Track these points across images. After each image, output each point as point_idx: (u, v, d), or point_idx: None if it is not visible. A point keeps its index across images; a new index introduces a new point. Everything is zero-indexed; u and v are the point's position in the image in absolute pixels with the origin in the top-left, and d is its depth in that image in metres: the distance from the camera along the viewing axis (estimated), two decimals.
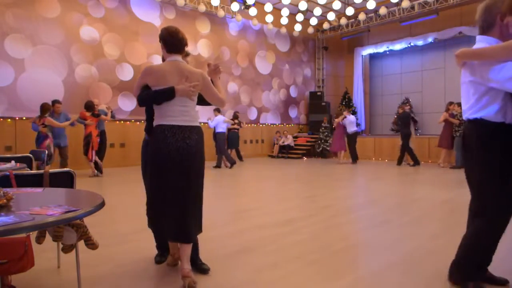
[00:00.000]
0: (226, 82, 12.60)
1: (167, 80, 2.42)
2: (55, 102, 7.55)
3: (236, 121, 11.05)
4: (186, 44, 2.56)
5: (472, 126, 2.15)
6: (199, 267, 2.65)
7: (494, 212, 2.15)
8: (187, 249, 2.46)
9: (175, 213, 2.41)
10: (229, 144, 10.91)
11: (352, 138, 11.23)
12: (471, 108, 2.15)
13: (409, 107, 11.04)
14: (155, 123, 2.50)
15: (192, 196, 2.46)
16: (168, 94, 2.40)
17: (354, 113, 15.25)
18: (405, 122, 10.31)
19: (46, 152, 5.86)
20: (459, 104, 9.33)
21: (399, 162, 10.63)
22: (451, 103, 9.69)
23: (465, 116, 2.21)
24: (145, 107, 2.65)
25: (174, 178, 2.40)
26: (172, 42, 2.50)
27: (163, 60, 2.65)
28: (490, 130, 2.07)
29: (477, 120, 2.10)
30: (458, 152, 9.31)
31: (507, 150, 2.07)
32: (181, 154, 2.40)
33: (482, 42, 2.14)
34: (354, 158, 11.45)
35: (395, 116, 11.00)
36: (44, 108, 7.09)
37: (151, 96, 2.45)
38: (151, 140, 2.54)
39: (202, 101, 2.72)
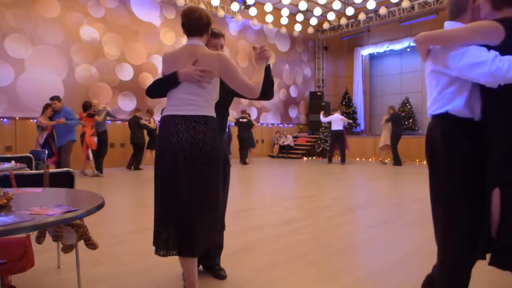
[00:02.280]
0: None
1: (176, 65, 2.10)
2: (51, 99, 7.06)
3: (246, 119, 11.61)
4: (208, 23, 2.15)
5: (434, 123, 1.75)
6: (216, 272, 2.56)
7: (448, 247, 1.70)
8: (190, 263, 2.08)
9: (178, 220, 2.02)
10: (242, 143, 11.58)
11: (334, 136, 11.33)
12: (434, 103, 1.74)
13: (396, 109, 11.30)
14: (163, 114, 2.18)
15: (199, 197, 2.03)
16: (170, 80, 2.08)
17: (354, 113, 15.32)
18: (396, 123, 10.64)
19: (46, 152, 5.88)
20: None
21: (397, 162, 10.76)
22: None
23: (429, 113, 1.80)
24: (156, 97, 2.30)
25: (177, 175, 2.03)
26: (188, 23, 2.13)
27: None
28: (456, 126, 1.66)
29: (441, 115, 1.69)
30: None
31: (475, 155, 1.63)
32: (184, 147, 2.01)
33: (449, 28, 1.75)
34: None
35: (385, 117, 11.02)
36: (44, 108, 6.97)
37: (155, 84, 2.19)
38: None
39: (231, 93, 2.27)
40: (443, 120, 1.69)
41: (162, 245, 2.04)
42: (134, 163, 9.61)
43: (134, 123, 9.49)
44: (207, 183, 2.06)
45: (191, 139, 2.01)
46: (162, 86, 2.15)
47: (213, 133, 2.08)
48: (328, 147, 12.52)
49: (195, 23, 2.13)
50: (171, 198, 2.04)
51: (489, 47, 1.54)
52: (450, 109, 1.66)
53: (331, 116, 11.36)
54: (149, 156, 9.97)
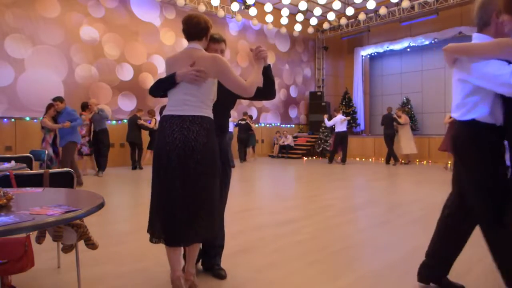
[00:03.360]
0: None
1: (175, 67, 2.20)
2: (53, 99, 6.86)
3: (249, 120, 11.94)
4: (206, 28, 2.26)
5: (463, 127, 2.06)
6: (216, 272, 2.58)
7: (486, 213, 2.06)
8: (194, 250, 2.30)
9: (174, 214, 2.09)
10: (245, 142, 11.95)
11: (337, 137, 11.33)
12: (458, 108, 2.06)
13: (390, 108, 11.37)
14: (165, 113, 2.25)
15: (195, 196, 2.10)
16: (168, 81, 2.18)
17: (354, 113, 15.33)
18: (387, 123, 10.84)
19: (46, 153, 5.85)
20: None
21: (392, 160, 10.91)
22: None
23: (453, 114, 2.11)
24: (158, 96, 2.38)
25: (172, 175, 2.09)
26: (187, 29, 2.26)
27: None
28: (482, 130, 1.98)
29: (468, 121, 2.01)
30: None
31: (498, 154, 2.00)
32: (178, 147, 2.07)
33: (476, 40, 2.06)
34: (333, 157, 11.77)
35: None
36: (47, 108, 6.76)
37: (156, 84, 2.27)
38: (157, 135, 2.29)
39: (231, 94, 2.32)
40: (470, 125, 2.00)
41: (155, 234, 2.19)
42: (136, 161, 9.66)
43: (132, 122, 9.51)
44: (200, 182, 2.11)
45: (185, 138, 2.08)
46: (162, 86, 2.25)
47: (207, 133, 2.14)
48: (329, 147, 12.54)
49: (194, 28, 2.24)
50: (166, 195, 2.12)
51: (509, 62, 1.81)
52: (477, 117, 1.97)
53: (334, 119, 11.31)
54: (149, 156, 9.99)
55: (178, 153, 2.08)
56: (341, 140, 11.23)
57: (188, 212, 2.09)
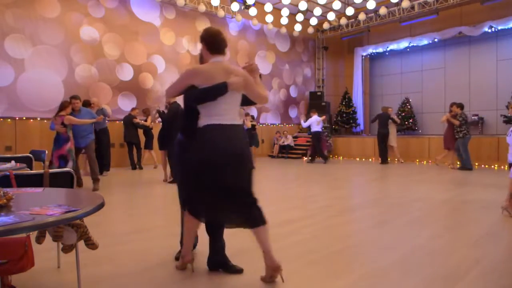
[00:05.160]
0: None
1: (215, 79, 2.40)
2: (72, 98, 6.41)
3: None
4: (226, 45, 2.57)
5: None
6: (232, 269, 2.64)
7: None
8: (265, 241, 2.45)
9: (234, 205, 2.42)
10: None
11: (314, 138, 11.64)
12: None
13: (391, 109, 11.59)
14: (203, 122, 2.44)
15: (247, 192, 2.45)
16: (221, 89, 2.37)
17: (354, 113, 15.33)
18: (382, 122, 11.05)
19: (66, 157, 5.62)
20: (459, 105, 9.35)
21: (384, 161, 11.15)
22: (452, 104, 9.70)
23: None
24: (190, 107, 2.58)
25: (227, 177, 2.36)
26: (215, 43, 2.50)
27: (201, 61, 2.65)
28: None
29: None
30: (457, 153, 9.32)
31: None
32: (237, 154, 2.40)
33: None
34: (313, 157, 11.96)
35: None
36: (62, 106, 6.05)
37: (204, 93, 2.41)
38: (198, 141, 2.45)
39: (245, 102, 2.66)
40: None
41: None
42: (137, 161, 9.66)
43: (128, 122, 9.49)
44: (249, 180, 2.49)
45: (240, 145, 2.43)
46: (212, 95, 2.40)
47: (246, 138, 2.58)
48: (309, 148, 12.82)
49: (221, 44, 2.52)
50: (223, 194, 2.38)
51: None
52: None
53: (310, 119, 11.65)
54: (148, 156, 9.98)
55: (238, 160, 2.40)
56: (317, 140, 11.57)
57: (248, 201, 2.45)
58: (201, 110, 2.47)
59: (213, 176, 2.36)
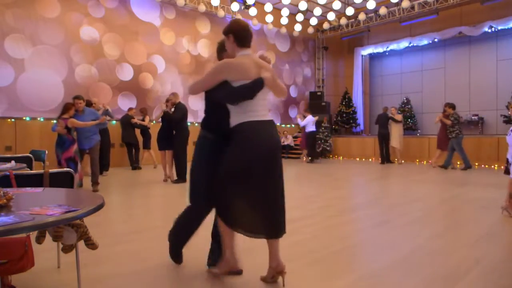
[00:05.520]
0: None
1: (249, 74, 2.33)
2: (75, 98, 6.20)
3: None
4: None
5: None
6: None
7: None
8: (276, 244, 2.43)
9: (266, 209, 2.35)
10: None
11: (310, 137, 11.77)
12: None
13: (393, 109, 11.58)
14: (239, 120, 2.36)
15: (280, 192, 2.42)
16: (259, 85, 2.32)
17: (354, 113, 15.33)
18: (381, 123, 11.18)
19: (74, 159, 5.58)
20: (450, 105, 9.39)
21: (383, 161, 11.26)
22: (446, 105, 9.72)
23: None
24: (218, 104, 2.46)
25: (267, 175, 2.34)
26: (246, 36, 2.43)
27: (221, 53, 2.58)
28: None
29: None
30: (450, 152, 9.36)
31: None
32: (273, 150, 2.38)
33: None
34: (313, 156, 12.02)
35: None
36: (65, 108, 5.90)
37: (243, 91, 2.31)
38: (240, 139, 2.35)
39: None
40: None
41: (254, 230, 2.42)
42: (135, 161, 9.65)
43: (126, 122, 9.47)
44: (282, 178, 2.48)
45: (275, 142, 2.42)
46: (252, 92, 2.33)
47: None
48: (300, 147, 12.90)
49: (250, 37, 2.46)
50: (269, 192, 2.36)
51: None
52: None
53: (307, 119, 11.65)
54: (147, 156, 9.97)
55: (278, 154, 2.41)
56: (314, 140, 11.76)
57: (279, 204, 2.41)
58: (234, 107, 2.38)
59: (260, 174, 2.32)
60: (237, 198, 2.36)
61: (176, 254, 2.77)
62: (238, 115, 2.36)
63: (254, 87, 2.31)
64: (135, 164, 9.67)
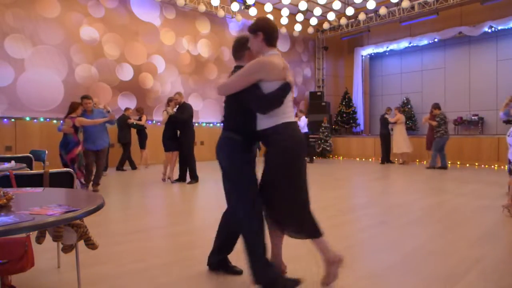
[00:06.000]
0: None
1: (282, 74, 2.33)
2: (83, 98, 6.04)
3: None
4: None
5: None
6: (232, 270, 2.64)
7: None
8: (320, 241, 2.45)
9: (307, 209, 2.39)
10: None
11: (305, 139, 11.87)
12: None
13: (387, 109, 11.55)
14: (271, 122, 2.31)
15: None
16: (287, 91, 2.33)
17: (354, 113, 15.34)
18: (381, 123, 11.28)
19: (75, 160, 5.53)
20: (436, 106, 9.48)
21: (383, 161, 11.25)
22: (432, 105, 9.73)
23: None
24: (247, 106, 2.38)
25: (305, 172, 2.39)
26: (276, 36, 2.42)
27: (241, 50, 2.54)
28: None
29: None
30: (435, 152, 9.38)
31: None
32: (305, 149, 2.46)
33: None
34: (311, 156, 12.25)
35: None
36: (72, 107, 5.77)
37: (278, 95, 2.29)
38: (280, 142, 2.30)
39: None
40: None
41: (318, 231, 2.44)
42: (128, 162, 9.59)
43: (122, 122, 9.42)
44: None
45: (303, 142, 2.42)
46: (282, 99, 2.31)
47: None
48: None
49: (278, 37, 2.44)
50: (306, 190, 2.38)
51: None
52: None
53: (302, 120, 11.56)
54: (145, 155, 9.95)
55: (304, 155, 2.45)
56: (308, 141, 11.90)
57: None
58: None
59: (303, 172, 2.37)
60: (298, 199, 2.35)
61: (266, 272, 2.41)
62: (269, 117, 2.32)
63: (283, 93, 2.30)
64: (135, 164, 9.65)
